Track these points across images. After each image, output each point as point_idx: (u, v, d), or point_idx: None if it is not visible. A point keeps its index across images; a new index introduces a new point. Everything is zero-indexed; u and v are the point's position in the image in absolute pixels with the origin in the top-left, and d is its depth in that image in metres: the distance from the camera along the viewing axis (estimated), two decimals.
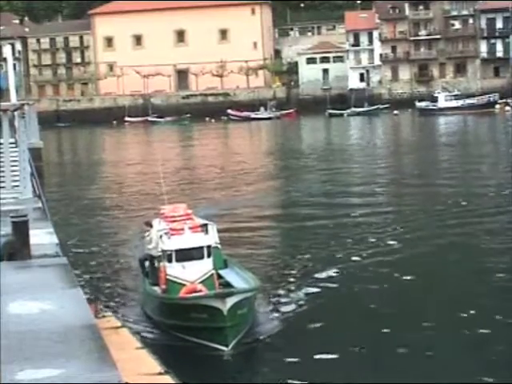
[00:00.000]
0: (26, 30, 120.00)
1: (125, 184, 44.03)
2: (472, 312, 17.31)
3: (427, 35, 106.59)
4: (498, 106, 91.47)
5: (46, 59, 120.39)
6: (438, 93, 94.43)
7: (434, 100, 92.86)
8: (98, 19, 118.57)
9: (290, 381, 14.03)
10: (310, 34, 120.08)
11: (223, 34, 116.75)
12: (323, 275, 20.46)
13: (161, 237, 17.84)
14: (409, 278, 20.52)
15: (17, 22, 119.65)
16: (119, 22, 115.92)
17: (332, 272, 20.74)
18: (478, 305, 17.81)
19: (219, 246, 18.80)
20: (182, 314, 15.88)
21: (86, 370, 5.98)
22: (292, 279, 20.25)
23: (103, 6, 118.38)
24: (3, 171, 19.35)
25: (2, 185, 19.10)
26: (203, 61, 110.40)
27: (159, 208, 20.68)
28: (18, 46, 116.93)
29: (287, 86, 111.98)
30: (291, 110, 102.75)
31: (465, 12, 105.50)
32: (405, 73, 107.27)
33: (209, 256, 17.40)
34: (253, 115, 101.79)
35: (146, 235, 19.81)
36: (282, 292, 19.06)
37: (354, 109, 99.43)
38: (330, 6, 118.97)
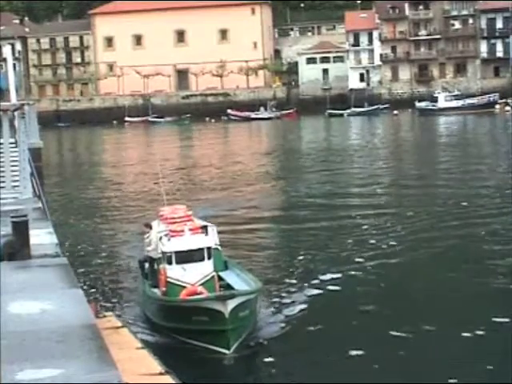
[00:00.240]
0: (26, 29, 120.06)
1: (124, 184, 44.04)
2: (472, 313, 17.33)
3: (427, 35, 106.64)
4: (498, 106, 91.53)
5: (46, 59, 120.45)
6: (438, 93, 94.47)
7: (434, 100, 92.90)
8: (98, 19, 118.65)
9: None
10: (310, 33, 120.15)
11: (223, 34, 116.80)
12: (324, 277, 20.35)
13: (160, 238, 17.64)
14: (410, 279, 20.53)
15: (17, 21, 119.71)
16: (119, 22, 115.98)
17: (333, 274, 20.66)
18: (479, 306, 17.82)
19: (219, 247, 18.58)
20: (183, 317, 15.71)
21: (86, 370, 5.98)
22: (293, 281, 20.13)
23: (103, 6, 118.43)
24: (3, 171, 19.34)
25: (2, 185, 19.09)
26: (203, 61, 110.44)
27: (158, 209, 20.55)
28: (18, 46, 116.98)
29: (287, 86, 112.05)
30: (291, 110, 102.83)
31: (465, 12, 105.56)
32: (405, 73, 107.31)
33: (209, 258, 17.21)
34: (253, 115, 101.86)
35: (146, 237, 19.63)
36: (283, 294, 18.92)
37: (353, 109, 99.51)
38: (330, 5, 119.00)
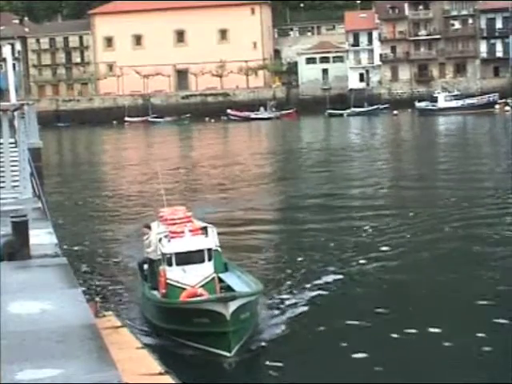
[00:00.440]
0: (26, 30, 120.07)
1: (124, 184, 44.03)
2: (473, 314, 17.32)
3: (427, 35, 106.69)
4: (497, 106, 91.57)
5: (46, 59, 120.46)
6: (438, 93, 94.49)
7: (434, 100, 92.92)
8: (97, 19, 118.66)
9: None
10: (309, 34, 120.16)
11: (223, 34, 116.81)
12: (325, 278, 20.20)
13: (160, 240, 17.42)
14: (410, 280, 20.47)
15: (17, 22, 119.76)
16: (119, 22, 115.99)
17: (334, 275, 20.54)
18: (479, 306, 17.81)
19: (219, 249, 18.34)
20: (183, 319, 15.51)
21: (86, 370, 5.99)
22: (293, 282, 19.97)
23: (103, 6, 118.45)
24: (3, 171, 19.35)
25: (2, 185, 19.10)
26: (203, 61, 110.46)
27: (158, 210, 20.42)
28: (18, 46, 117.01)
29: (287, 86, 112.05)
30: (291, 110, 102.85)
31: (465, 12, 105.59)
32: (404, 73, 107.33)
33: (210, 259, 16.99)
34: (252, 115, 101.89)
35: (145, 238, 19.42)
36: (283, 296, 18.77)
37: (353, 109, 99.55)
38: (330, 6, 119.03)
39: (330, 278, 20.29)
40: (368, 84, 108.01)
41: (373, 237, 25.38)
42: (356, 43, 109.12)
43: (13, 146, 20.41)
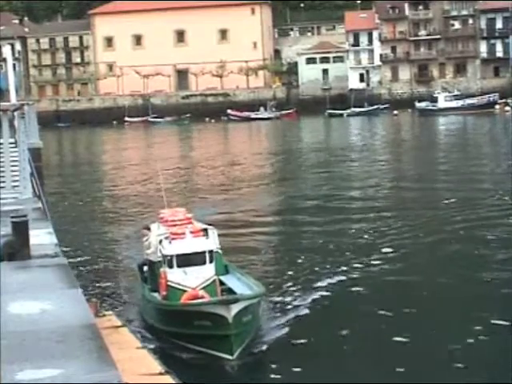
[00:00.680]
0: (26, 30, 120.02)
1: (124, 185, 44.02)
2: (473, 314, 17.33)
3: (427, 35, 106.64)
4: (497, 106, 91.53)
5: (46, 59, 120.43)
6: (438, 93, 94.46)
7: (434, 100, 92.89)
8: (97, 19, 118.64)
9: None
10: (309, 34, 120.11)
11: (223, 34, 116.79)
12: (325, 280, 20.16)
13: (161, 241, 17.26)
14: (411, 281, 20.47)
15: (16, 22, 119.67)
16: (119, 22, 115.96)
17: (335, 277, 20.47)
18: (479, 307, 17.81)
19: (220, 251, 18.20)
20: (184, 322, 15.39)
21: (86, 370, 5.99)
22: (294, 285, 19.91)
23: (103, 6, 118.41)
24: (3, 171, 19.34)
25: (2, 185, 19.09)
26: (203, 61, 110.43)
27: (158, 212, 20.30)
28: (18, 46, 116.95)
29: (287, 86, 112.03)
30: (291, 110, 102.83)
31: (465, 12, 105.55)
32: (405, 73, 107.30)
33: (211, 261, 16.85)
34: (253, 115, 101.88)
35: (145, 240, 19.32)
36: (284, 298, 18.67)
37: (353, 109, 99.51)
38: (330, 5, 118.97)
39: (331, 280, 20.22)
40: (368, 84, 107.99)
41: (374, 238, 25.34)
42: (356, 43, 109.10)
43: (13, 146, 20.40)
